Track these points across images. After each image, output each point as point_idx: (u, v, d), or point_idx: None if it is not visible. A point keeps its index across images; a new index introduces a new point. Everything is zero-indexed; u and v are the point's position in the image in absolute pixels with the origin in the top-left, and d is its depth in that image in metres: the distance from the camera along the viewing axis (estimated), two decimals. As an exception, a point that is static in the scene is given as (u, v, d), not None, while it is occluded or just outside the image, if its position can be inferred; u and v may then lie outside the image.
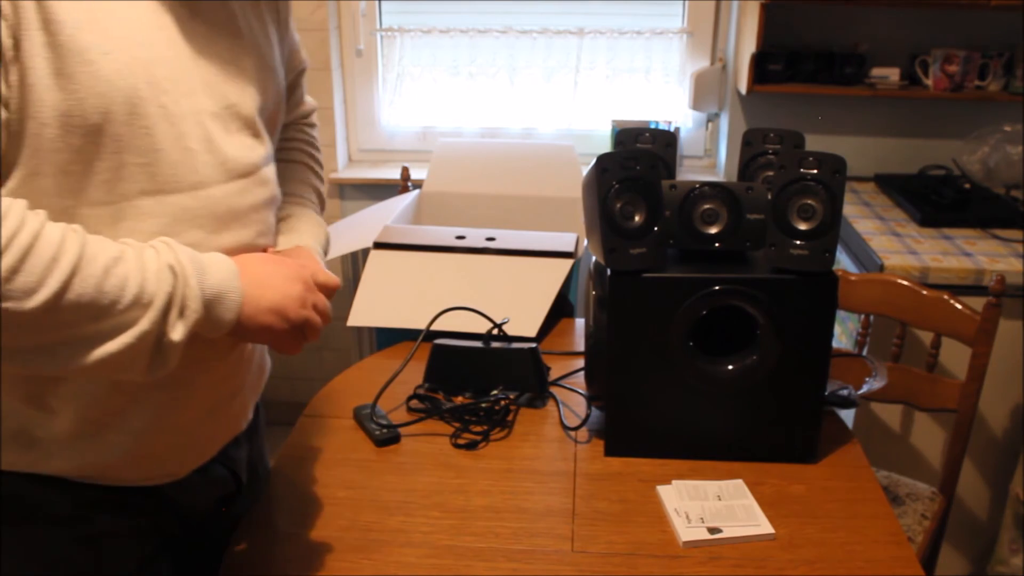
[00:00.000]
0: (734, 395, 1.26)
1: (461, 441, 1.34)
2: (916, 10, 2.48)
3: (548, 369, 1.51)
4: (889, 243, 2.10)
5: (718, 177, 2.75)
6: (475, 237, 1.86)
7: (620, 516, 1.17)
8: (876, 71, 2.47)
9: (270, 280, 0.91)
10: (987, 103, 2.54)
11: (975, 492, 2.19)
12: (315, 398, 1.46)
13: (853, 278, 1.88)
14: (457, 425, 1.37)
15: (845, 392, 1.39)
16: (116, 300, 0.78)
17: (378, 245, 1.80)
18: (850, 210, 2.33)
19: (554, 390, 1.49)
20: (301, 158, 1.21)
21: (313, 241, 1.10)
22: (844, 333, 2.22)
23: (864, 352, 1.95)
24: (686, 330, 1.23)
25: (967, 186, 2.33)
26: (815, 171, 1.18)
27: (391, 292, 1.70)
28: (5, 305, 0.72)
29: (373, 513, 1.17)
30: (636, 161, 1.19)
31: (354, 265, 2.70)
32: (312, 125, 1.27)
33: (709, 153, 2.82)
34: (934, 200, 2.30)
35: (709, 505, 1.17)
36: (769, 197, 1.20)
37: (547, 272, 1.75)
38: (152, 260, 0.81)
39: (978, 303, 1.74)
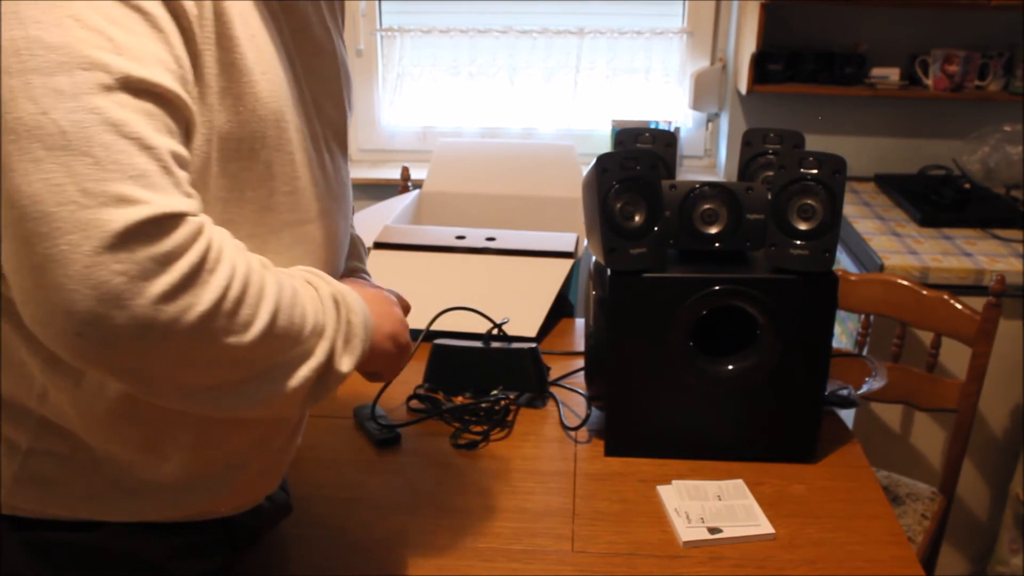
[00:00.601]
0: (734, 395, 1.26)
1: (461, 441, 1.34)
2: (916, 10, 2.48)
3: (548, 369, 1.51)
4: (889, 243, 2.10)
5: (718, 177, 2.75)
6: (475, 237, 1.86)
7: (620, 516, 1.17)
8: (876, 71, 2.47)
9: (380, 307, 0.89)
10: (987, 103, 2.54)
11: (975, 492, 2.20)
12: (315, 398, 1.46)
13: (853, 278, 1.88)
14: (457, 425, 1.37)
15: (845, 392, 1.39)
16: (302, 328, 0.73)
17: (378, 245, 1.80)
18: (850, 210, 2.33)
19: (554, 390, 1.49)
20: None
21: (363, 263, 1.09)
22: (844, 333, 2.22)
23: (864, 352, 1.95)
24: (686, 330, 1.23)
25: (967, 186, 2.33)
26: (815, 171, 1.18)
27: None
28: (227, 340, 0.66)
29: (373, 513, 1.17)
30: (636, 161, 1.19)
31: (354, 265, 2.69)
32: None
33: (709, 153, 2.82)
34: (934, 200, 2.30)
35: (709, 505, 1.17)
36: (769, 197, 1.20)
37: (547, 272, 1.75)
38: (313, 290, 0.78)
39: (978, 303, 1.74)
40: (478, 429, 1.36)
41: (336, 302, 0.79)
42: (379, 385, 1.43)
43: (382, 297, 0.93)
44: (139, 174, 0.60)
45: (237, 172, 0.75)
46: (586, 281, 2.07)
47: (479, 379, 1.45)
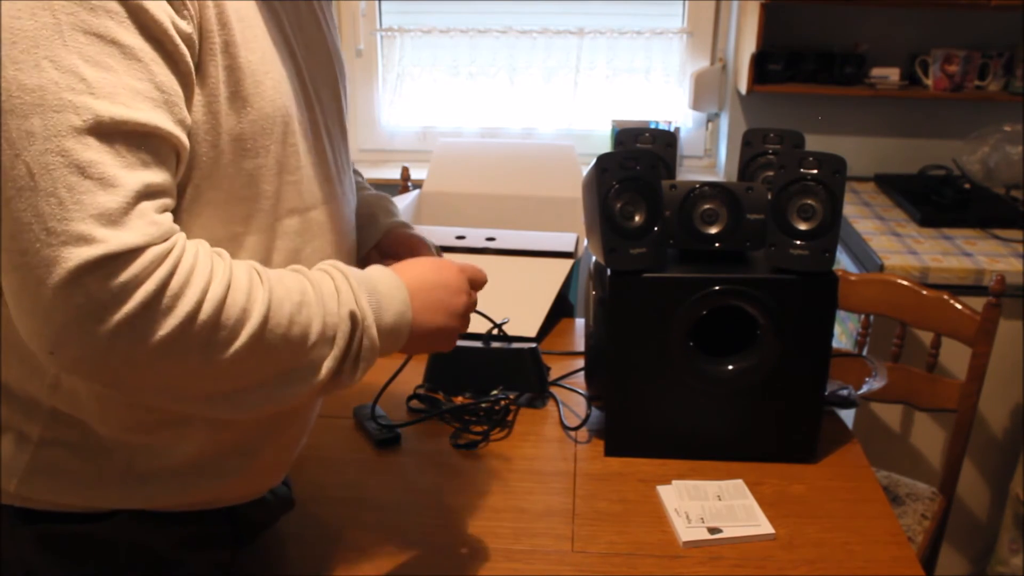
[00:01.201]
0: (734, 395, 1.26)
1: (461, 441, 1.34)
2: (916, 10, 2.48)
3: (548, 369, 1.51)
4: (889, 243, 2.10)
5: (718, 177, 2.75)
6: (475, 237, 1.86)
7: (620, 516, 1.17)
8: (876, 71, 2.47)
9: (436, 300, 0.89)
10: (987, 103, 2.54)
11: (975, 492, 2.19)
12: (315, 398, 1.46)
13: (853, 278, 1.88)
14: (457, 425, 1.37)
15: (845, 392, 1.39)
16: (303, 341, 0.75)
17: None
18: (850, 210, 2.33)
19: (554, 390, 1.49)
20: None
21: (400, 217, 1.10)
22: (844, 333, 2.22)
23: (864, 352, 1.95)
24: (686, 330, 1.23)
25: (967, 186, 2.33)
26: (815, 171, 1.18)
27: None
28: (204, 360, 0.69)
29: (373, 513, 1.17)
30: (636, 161, 1.19)
31: (354, 265, 2.70)
32: None
33: (709, 153, 2.82)
34: (934, 200, 2.30)
35: (709, 505, 1.17)
36: (769, 197, 1.20)
37: (547, 272, 1.75)
38: (332, 301, 0.78)
39: (978, 303, 1.74)
40: (478, 429, 1.36)
41: (354, 320, 0.79)
42: (379, 385, 1.43)
43: (441, 286, 0.90)
44: (99, 213, 0.64)
45: (252, 170, 0.79)
46: (586, 281, 2.07)
47: (479, 379, 1.45)
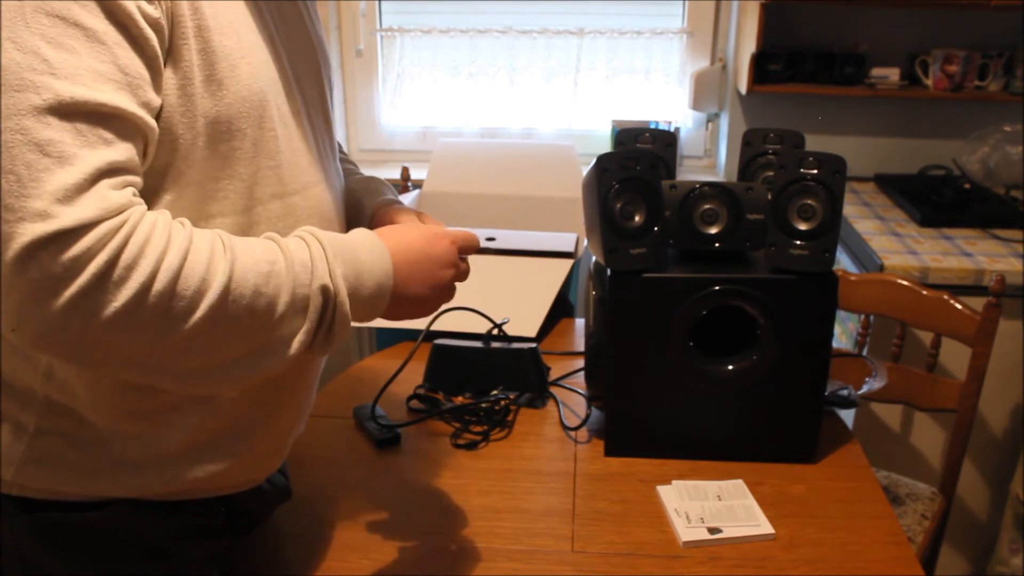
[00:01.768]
0: (734, 395, 1.26)
1: (461, 441, 1.34)
2: (916, 10, 2.48)
3: (548, 369, 1.51)
4: (889, 243, 2.10)
5: (718, 177, 2.75)
6: (475, 237, 1.85)
7: (620, 516, 1.17)
8: (876, 71, 2.47)
9: (423, 271, 0.88)
10: (987, 103, 2.54)
11: (975, 492, 2.19)
12: (315, 398, 1.46)
13: (853, 278, 1.88)
14: (457, 425, 1.37)
15: (845, 392, 1.39)
16: (269, 314, 0.75)
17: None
18: (850, 210, 2.33)
19: (554, 390, 1.49)
20: None
21: (396, 198, 1.10)
22: (844, 333, 2.22)
23: (864, 352, 1.95)
24: (686, 330, 1.23)
25: (967, 186, 2.33)
26: (815, 171, 1.18)
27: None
28: (163, 331, 0.69)
29: (373, 513, 1.17)
30: (636, 161, 1.19)
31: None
32: None
33: (709, 153, 2.82)
34: (934, 200, 2.30)
35: (709, 505, 1.17)
36: (769, 197, 1.20)
37: (547, 272, 1.75)
38: (305, 273, 0.78)
39: (978, 303, 1.74)
40: (478, 429, 1.36)
41: (326, 294, 0.79)
42: (379, 385, 1.43)
43: (426, 256, 0.89)
44: (56, 189, 0.65)
45: (227, 152, 0.80)
46: (586, 281, 2.07)
47: (479, 379, 1.45)
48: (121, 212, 0.68)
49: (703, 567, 1.08)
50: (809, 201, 1.18)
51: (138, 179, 0.72)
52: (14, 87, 0.64)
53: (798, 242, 1.19)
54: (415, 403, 1.44)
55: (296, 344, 0.78)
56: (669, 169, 1.38)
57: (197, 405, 0.86)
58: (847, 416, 2.09)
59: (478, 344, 1.47)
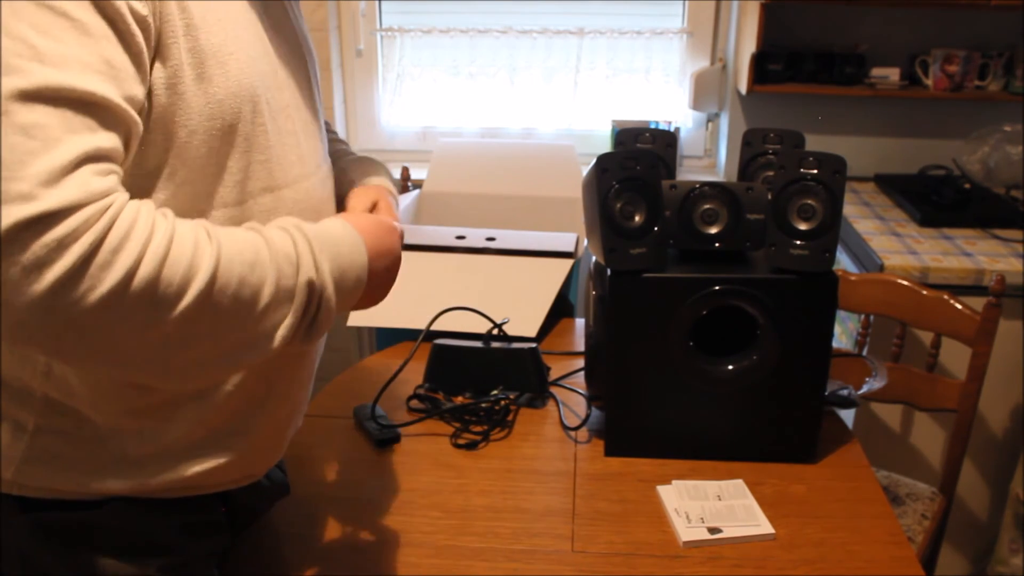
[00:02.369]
0: (734, 395, 1.26)
1: (461, 441, 1.34)
2: (916, 10, 2.48)
3: (548, 369, 1.51)
4: (889, 243, 2.10)
5: (718, 177, 2.75)
6: (475, 237, 1.86)
7: (620, 516, 1.17)
8: (876, 71, 2.47)
9: (382, 264, 0.90)
10: (987, 103, 2.54)
11: (975, 492, 2.19)
12: (315, 398, 1.46)
13: (853, 278, 1.88)
14: (457, 425, 1.37)
15: (845, 392, 1.39)
16: (253, 304, 0.75)
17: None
18: (850, 210, 2.33)
19: (554, 390, 1.49)
20: None
21: (388, 180, 1.11)
22: (844, 333, 2.22)
23: (864, 352, 1.95)
24: (686, 330, 1.23)
25: (967, 186, 2.33)
26: (815, 171, 1.18)
27: (391, 292, 1.70)
28: (149, 318, 0.68)
29: (373, 513, 1.17)
30: (636, 161, 1.19)
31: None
32: None
33: (709, 153, 2.82)
34: (934, 200, 2.30)
35: (709, 505, 1.17)
36: (769, 197, 1.20)
37: (547, 272, 1.75)
38: (289, 265, 0.77)
39: (978, 303, 1.74)
40: (478, 429, 1.36)
41: (311, 288, 0.79)
42: (379, 385, 1.43)
43: (386, 245, 0.91)
44: (40, 172, 0.64)
45: (220, 147, 0.81)
46: (586, 281, 2.07)
47: (479, 379, 1.45)
48: (105, 197, 0.67)
49: (703, 567, 1.08)
50: (809, 201, 1.18)
51: (120, 169, 0.72)
52: (1, 71, 0.64)
53: (798, 242, 1.19)
54: (415, 403, 1.44)
55: (279, 337, 0.77)
56: (669, 169, 1.38)
57: (195, 400, 0.87)
58: (847, 416, 2.09)
59: (478, 344, 1.47)
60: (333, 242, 0.82)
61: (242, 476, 0.97)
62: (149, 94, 0.75)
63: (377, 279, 0.89)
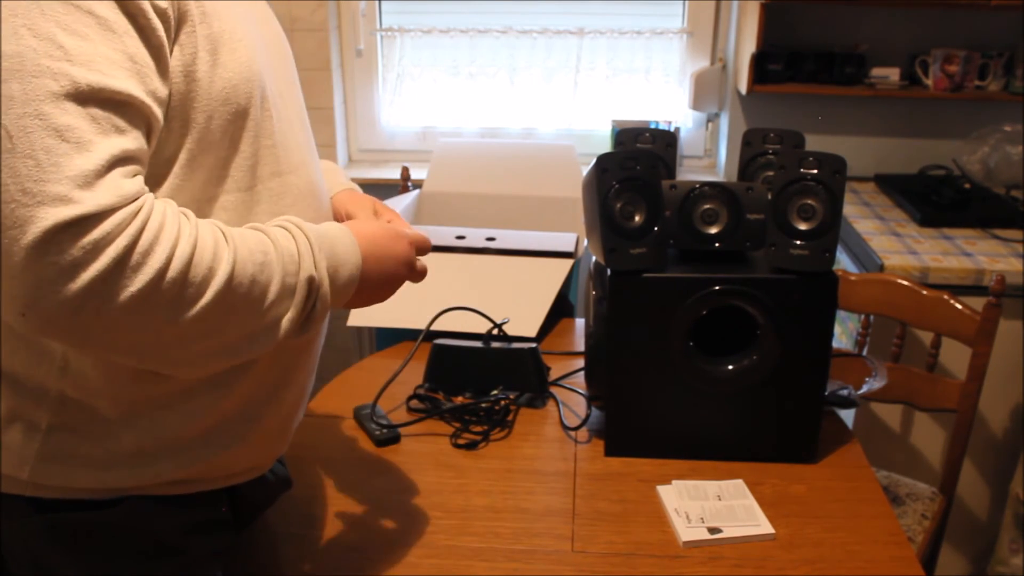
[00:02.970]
0: (734, 395, 1.26)
1: (461, 441, 1.34)
2: (916, 10, 2.48)
3: (548, 369, 1.51)
4: (889, 243, 2.10)
5: (718, 177, 2.75)
6: (475, 237, 1.86)
7: (620, 516, 1.17)
8: (876, 71, 2.47)
9: (384, 271, 0.93)
10: (987, 103, 2.54)
11: (975, 492, 2.19)
12: (315, 398, 1.46)
13: (853, 278, 1.88)
14: (457, 425, 1.37)
15: (845, 392, 1.39)
16: (262, 301, 0.78)
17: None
18: (850, 210, 2.33)
19: (554, 390, 1.49)
20: None
21: (348, 179, 1.14)
22: (844, 333, 2.22)
23: (864, 352, 1.95)
24: (686, 330, 1.23)
25: (967, 186, 2.33)
26: (815, 171, 1.18)
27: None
28: (173, 317, 0.71)
29: (373, 513, 1.17)
30: (636, 161, 1.19)
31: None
32: None
33: (709, 153, 2.82)
34: (934, 200, 2.30)
35: (709, 505, 1.17)
36: (769, 197, 1.20)
37: (547, 272, 1.75)
38: (292, 263, 0.81)
39: (978, 303, 1.74)
40: (478, 429, 1.36)
41: (311, 285, 0.82)
42: (379, 385, 1.43)
43: (390, 256, 0.94)
44: (75, 175, 0.66)
45: (233, 132, 0.83)
46: (586, 281, 2.07)
47: (479, 379, 1.45)
48: (135, 200, 0.70)
49: (703, 567, 1.08)
50: (809, 201, 1.18)
51: (143, 169, 0.74)
52: (31, 73, 0.66)
53: (798, 242, 1.19)
54: (415, 403, 1.44)
55: (282, 330, 0.81)
56: (669, 169, 1.38)
57: (209, 388, 0.88)
58: (847, 416, 2.09)
59: (478, 344, 1.47)
60: (329, 240, 0.86)
61: (252, 467, 0.98)
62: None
63: (376, 279, 0.92)
